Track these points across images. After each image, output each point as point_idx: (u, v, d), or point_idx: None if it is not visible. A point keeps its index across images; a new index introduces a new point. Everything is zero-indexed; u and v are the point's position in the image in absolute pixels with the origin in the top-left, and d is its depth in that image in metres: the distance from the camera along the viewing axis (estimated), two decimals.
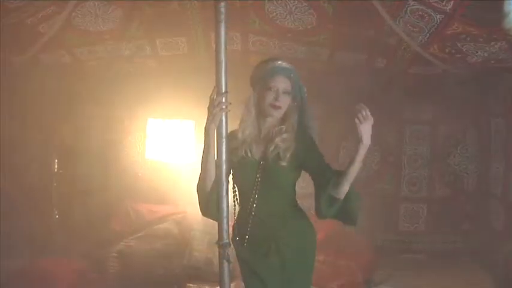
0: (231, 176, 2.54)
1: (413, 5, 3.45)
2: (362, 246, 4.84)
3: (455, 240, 5.28)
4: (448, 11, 3.33)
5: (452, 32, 3.56)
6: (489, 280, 4.53)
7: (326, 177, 2.38)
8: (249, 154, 2.48)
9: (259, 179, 2.47)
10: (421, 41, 3.92)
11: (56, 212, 5.22)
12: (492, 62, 4.03)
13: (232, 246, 2.49)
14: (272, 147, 2.44)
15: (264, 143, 2.49)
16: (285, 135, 2.45)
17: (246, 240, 2.52)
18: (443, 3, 3.28)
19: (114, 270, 4.55)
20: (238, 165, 2.50)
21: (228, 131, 2.41)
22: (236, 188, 2.57)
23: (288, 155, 2.42)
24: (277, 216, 2.49)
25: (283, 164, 2.42)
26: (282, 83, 2.44)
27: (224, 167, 2.38)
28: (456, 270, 4.73)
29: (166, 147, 5.36)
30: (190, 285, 4.49)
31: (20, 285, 4.10)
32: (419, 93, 5.15)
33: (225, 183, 2.40)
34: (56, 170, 5.26)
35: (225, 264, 2.42)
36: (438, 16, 3.44)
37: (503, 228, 4.76)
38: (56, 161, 5.25)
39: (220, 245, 2.41)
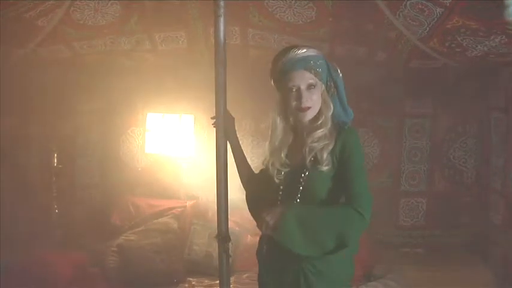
0: None
1: None
2: (361, 240, 4.82)
3: (454, 234, 5.28)
4: (448, 4, 3.32)
5: (452, 25, 3.55)
6: (489, 274, 4.53)
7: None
8: (277, 165, 2.16)
9: (288, 187, 2.14)
10: (420, 34, 3.91)
11: (56, 207, 5.21)
12: (492, 56, 4.02)
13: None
14: (307, 151, 2.08)
15: (299, 148, 2.14)
16: (319, 132, 2.07)
17: (273, 258, 2.22)
18: None
19: (113, 264, 4.54)
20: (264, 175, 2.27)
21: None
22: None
23: (326, 155, 2.05)
24: None
25: (323, 168, 2.05)
26: (302, 78, 2.04)
27: (223, 159, 2.38)
28: (456, 264, 4.73)
29: (165, 142, 5.36)
30: (190, 279, 4.52)
31: (20, 279, 4.10)
32: (419, 87, 5.14)
33: (224, 177, 2.39)
34: (55, 165, 5.24)
35: (224, 257, 2.42)
36: (438, 10, 3.42)
37: (502, 222, 4.76)
38: (55, 155, 5.23)
39: (220, 238, 2.41)
